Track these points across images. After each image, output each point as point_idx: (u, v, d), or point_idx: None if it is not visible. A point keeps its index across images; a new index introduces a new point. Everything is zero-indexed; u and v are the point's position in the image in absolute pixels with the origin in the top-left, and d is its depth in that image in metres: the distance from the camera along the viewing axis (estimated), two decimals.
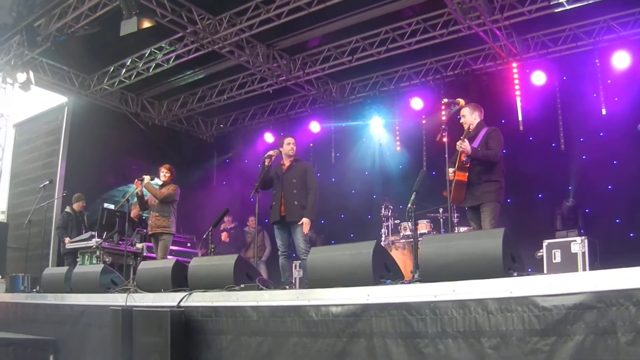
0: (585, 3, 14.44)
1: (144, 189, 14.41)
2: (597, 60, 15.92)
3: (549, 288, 5.25)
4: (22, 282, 14.93)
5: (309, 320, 7.00)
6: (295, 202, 11.88)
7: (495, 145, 10.09)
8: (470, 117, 10.47)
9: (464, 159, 9.91)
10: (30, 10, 16.70)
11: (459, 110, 10.57)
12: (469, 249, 6.23)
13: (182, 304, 8.59)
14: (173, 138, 23.94)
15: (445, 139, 9.74)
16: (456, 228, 13.51)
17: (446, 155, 9.83)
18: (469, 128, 10.42)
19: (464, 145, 9.77)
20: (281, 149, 12.37)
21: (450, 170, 10.12)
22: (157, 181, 14.86)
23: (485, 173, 10.00)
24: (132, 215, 16.96)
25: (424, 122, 19.37)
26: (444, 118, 10.26)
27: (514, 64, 16.97)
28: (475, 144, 10.17)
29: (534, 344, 5.21)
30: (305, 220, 11.68)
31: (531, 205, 16.04)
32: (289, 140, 12.52)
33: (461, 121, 10.50)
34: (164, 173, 14.59)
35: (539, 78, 16.50)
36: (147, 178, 13.56)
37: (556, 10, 14.83)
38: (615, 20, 15.59)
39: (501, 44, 16.61)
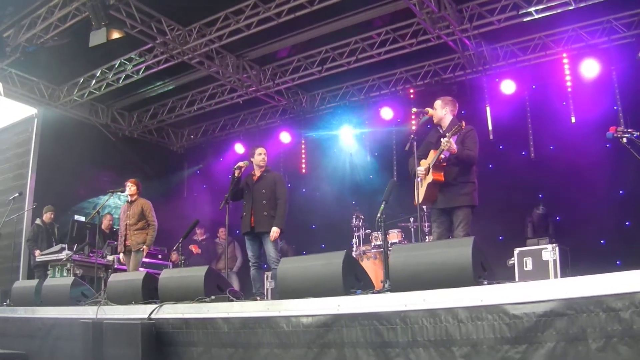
0: (554, 12, 14.53)
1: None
2: (566, 68, 16.01)
3: (519, 296, 5.27)
4: None
5: (279, 331, 6.98)
6: (265, 213, 11.88)
7: (473, 145, 9.77)
8: (441, 110, 10.05)
9: (442, 157, 9.52)
10: None
11: (428, 119, 10.42)
12: (439, 258, 6.24)
13: (152, 316, 8.55)
14: (143, 149, 23.84)
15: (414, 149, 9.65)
16: (427, 237, 13.49)
17: (415, 162, 9.70)
18: (439, 123, 10.20)
19: (450, 143, 9.28)
20: (252, 159, 12.37)
21: (421, 168, 9.77)
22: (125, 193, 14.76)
23: (462, 174, 9.63)
24: (103, 227, 16.93)
25: (394, 131, 19.39)
26: (413, 127, 10.15)
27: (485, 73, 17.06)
28: None
29: (505, 352, 5.22)
30: (274, 229, 11.70)
31: (502, 214, 16.02)
32: (260, 150, 12.49)
33: (429, 113, 10.28)
34: (130, 187, 14.46)
35: (508, 87, 16.60)
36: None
37: (525, 20, 14.91)
38: (584, 29, 15.70)
39: (470, 53, 16.67)
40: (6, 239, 17.38)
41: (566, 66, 16.07)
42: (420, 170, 9.80)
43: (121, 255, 14.39)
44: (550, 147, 16.15)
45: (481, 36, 16.15)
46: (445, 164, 9.57)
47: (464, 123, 9.39)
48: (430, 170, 9.46)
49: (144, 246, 14.06)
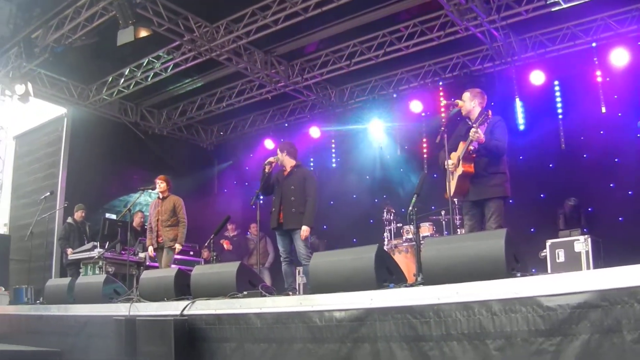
0: (583, 1, 14.38)
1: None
2: (595, 58, 15.90)
3: (552, 288, 5.23)
4: (26, 294, 14.93)
5: (312, 326, 6.97)
6: (293, 209, 11.80)
7: (502, 135, 9.68)
8: (469, 103, 9.97)
9: (471, 149, 9.47)
10: (27, 22, 16.68)
11: (458, 111, 10.35)
12: (472, 250, 6.20)
13: (185, 312, 8.57)
14: (173, 146, 23.94)
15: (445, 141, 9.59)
16: (459, 230, 13.42)
17: (446, 155, 9.64)
18: (468, 115, 10.12)
19: (478, 133, 9.28)
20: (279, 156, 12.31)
21: (451, 160, 9.75)
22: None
23: (492, 165, 9.54)
24: (134, 224, 16.98)
25: (423, 124, 19.34)
26: (443, 120, 10.05)
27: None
28: None
29: (539, 344, 5.18)
30: (303, 227, 11.60)
31: (533, 206, 15.95)
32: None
33: (459, 104, 10.20)
34: (159, 184, 14.48)
35: (537, 78, 16.47)
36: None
37: (553, 9, 14.79)
38: (613, 18, 15.54)
39: (499, 44, 16.59)
40: (38, 238, 17.47)
41: (595, 55, 15.95)
42: (450, 162, 9.76)
43: (150, 249, 14.38)
44: (581, 137, 16.04)
45: (509, 27, 16.04)
46: (475, 156, 9.50)
47: (490, 112, 9.34)
48: (460, 162, 9.38)
49: (176, 244, 14.05)
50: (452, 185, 9.82)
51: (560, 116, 16.54)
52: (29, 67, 17.81)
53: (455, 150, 9.85)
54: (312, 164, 20.97)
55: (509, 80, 17.19)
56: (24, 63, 17.45)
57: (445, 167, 9.82)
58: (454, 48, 17.86)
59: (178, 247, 14.03)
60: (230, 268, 8.88)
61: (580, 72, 16.22)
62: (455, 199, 11.28)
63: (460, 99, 10.15)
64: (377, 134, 20.61)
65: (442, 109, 17.18)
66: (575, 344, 4.98)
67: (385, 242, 15.27)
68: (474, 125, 9.28)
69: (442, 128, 9.62)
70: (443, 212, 14.26)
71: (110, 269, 14.93)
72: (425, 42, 17.02)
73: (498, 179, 9.57)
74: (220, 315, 8.14)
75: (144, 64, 19.31)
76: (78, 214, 17.38)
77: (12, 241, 20.41)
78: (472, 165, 9.46)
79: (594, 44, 15.94)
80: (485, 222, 9.54)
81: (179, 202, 14.35)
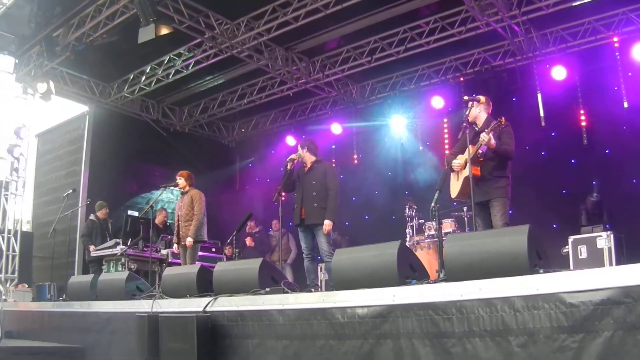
0: None
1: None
2: (617, 53, 15.84)
3: (575, 284, 5.21)
4: (49, 291, 14.97)
5: (335, 322, 6.98)
6: (315, 204, 11.77)
7: (509, 140, 9.73)
8: (475, 110, 10.02)
9: (480, 152, 9.56)
10: (48, 21, 16.77)
11: (465, 116, 10.34)
12: (494, 246, 6.19)
13: (207, 309, 8.60)
14: (195, 144, 24.00)
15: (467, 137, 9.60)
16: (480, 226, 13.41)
17: (468, 149, 9.64)
18: (474, 121, 10.16)
19: (490, 137, 9.31)
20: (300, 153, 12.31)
21: (457, 162, 9.90)
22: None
23: (497, 169, 9.66)
24: (156, 221, 17.01)
25: (445, 120, 19.32)
26: (465, 116, 10.05)
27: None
28: None
29: (562, 341, 5.17)
30: (326, 222, 11.57)
31: (555, 201, 15.92)
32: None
33: (466, 113, 10.25)
34: (178, 180, 14.35)
35: (559, 73, 16.42)
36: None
37: (574, 4, 14.77)
38: (634, 12, 15.44)
39: (520, 39, 16.54)
40: (61, 235, 17.58)
41: (617, 50, 15.89)
42: (456, 162, 9.92)
43: (175, 246, 14.37)
44: (603, 133, 15.96)
45: (530, 22, 16.03)
46: (482, 159, 9.58)
47: (503, 119, 9.38)
48: (468, 165, 9.39)
49: (187, 238, 13.96)
50: (457, 186, 10.00)
51: (582, 112, 16.46)
52: (51, 66, 17.93)
53: (463, 153, 9.89)
54: (333, 160, 20.90)
55: (530, 75, 17.16)
56: (45, 62, 17.56)
57: (452, 165, 9.97)
58: (475, 43, 17.82)
59: (189, 241, 13.92)
60: (252, 265, 8.89)
61: (602, 67, 16.17)
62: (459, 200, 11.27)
63: (483, 94, 10.20)
64: (398, 130, 20.62)
65: (464, 105, 17.19)
66: (598, 340, 4.97)
67: (407, 239, 15.26)
68: (486, 130, 9.34)
69: (464, 124, 9.65)
70: (465, 209, 14.22)
71: (132, 266, 14.95)
72: (446, 37, 16.97)
73: (502, 182, 9.71)
74: (242, 311, 8.17)
75: (165, 62, 19.40)
76: (102, 212, 17.40)
77: (35, 238, 20.55)
78: (479, 168, 9.51)
79: (615, 39, 15.87)
80: (491, 223, 9.63)
81: (197, 196, 14.19)
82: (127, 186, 21.65)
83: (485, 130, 9.31)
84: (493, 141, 9.30)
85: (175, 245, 14.32)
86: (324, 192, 11.84)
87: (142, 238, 15.47)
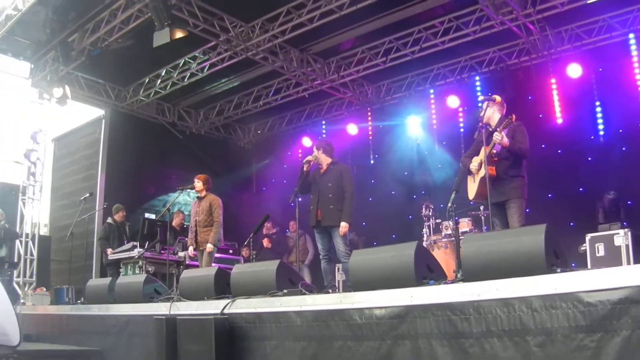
0: None
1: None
2: (633, 50, 15.79)
3: (593, 283, 5.19)
4: (67, 294, 15.04)
5: (352, 323, 6.99)
6: (331, 206, 11.76)
7: (523, 139, 9.73)
8: (489, 110, 9.99)
9: (494, 152, 9.52)
10: (63, 26, 16.85)
11: (479, 118, 10.32)
12: (511, 246, 6.18)
13: (225, 311, 8.62)
14: (211, 146, 24.09)
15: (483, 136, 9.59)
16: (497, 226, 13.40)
17: (484, 148, 9.63)
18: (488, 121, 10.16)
19: (502, 136, 9.33)
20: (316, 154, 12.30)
21: (474, 165, 9.91)
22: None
23: (513, 168, 9.66)
24: (173, 224, 17.06)
25: (461, 119, 19.30)
26: (481, 115, 10.05)
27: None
28: None
29: (580, 340, 5.16)
30: (342, 224, 11.56)
31: (572, 199, 15.88)
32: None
33: (480, 114, 10.25)
34: (196, 183, 14.34)
35: (574, 70, 16.37)
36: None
37: (589, 2, 14.74)
38: None
39: (535, 37, 16.52)
40: (78, 239, 17.64)
41: (633, 47, 15.85)
42: (474, 166, 9.92)
43: (190, 249, 14.38)
44: (620, 130, 15.94)
45: (545, 20, 15.99)
46: (496, 159, 9.56)
47: (514, 116, 9.39)
48: (484, 165, 9.39)
49: (207, 245, 13.95)
50: (474, 187, 9.99)
51: (598, 109, 16.42)
52: (66, 71, 18.06)
53: (477, 154, 9.93)
54: (349, 161, 20.89)
55: (545, 73, 17.12)
56: (61, 66, 17.68)
57: (471, 169, 9.97)
58: (489, 42, 17.78)
59: (209, 247, 13.93)
60: (270, 266, 8.90)
61: (618, 64, 16.11)
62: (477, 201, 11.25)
63: (498, 94, 10.19)
64: (414, 129, 20.61)
65: (480, 104, 17.17)
66: (616, 340, 4.95)
67: (424, 238, 15.23)
68: (498, 129, 9.36)
69: (480, 123, 9.64)
70: (482, 208, 14.20)
71: (150, 269, 14.99)
72: (461, 37, 16.96)
73: (517, 182, 9.70)
74: (260, 313, 8.18)
75: (181, 65, 19.47)
76: (118, 215, 17.47)
77: (53, 242, 20.68)
78: (494, 168, 9.49)
79: (630, 35, 15.83)
80: (508, 223, 9.63)
81: (216, 202, 14.23)
82: (143, 189, 21.74)
83: (498, 128, 9.32)
84: (506, 139, 9.29)
85: (190, 249, 14.34)
86: (340, 194, 11.83)
87: (159, 241, 15.51)
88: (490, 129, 9.78)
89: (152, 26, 14.88)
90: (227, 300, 8.80)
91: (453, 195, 9.08)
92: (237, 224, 19.33)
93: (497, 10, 14.92)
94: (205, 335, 8.18)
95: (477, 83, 18.79)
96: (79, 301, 14.04)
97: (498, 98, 10.05)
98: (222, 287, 9.64)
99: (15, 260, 18.62)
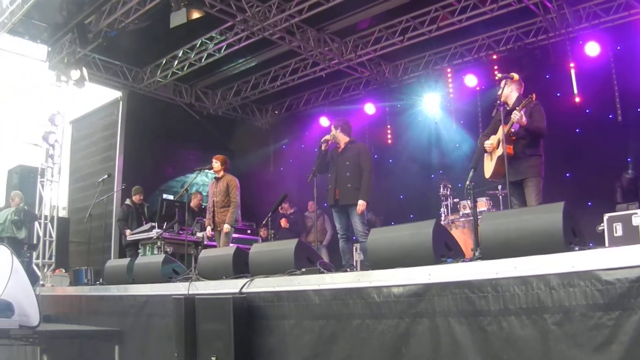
0: None
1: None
2: None
3: (611, 261, 5.17)
4: (86, 275, 15.10)
5: (371, 301, 6.99)
6: (349, 185, 11.79)
7: (540, 118, 9.73)
8: (507, 89, 10.05)
9: (512, 131, 9.53)
10: (80, 8, 16.88)
11: (497, 97, 10.32)
12: (530, 224, 6.16)
13: (244, 290, 8.63)
14: (228, 126, 24.17)
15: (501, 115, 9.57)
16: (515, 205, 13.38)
17: (502, 127, 9.61)
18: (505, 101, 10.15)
19: (520, 115, 9.33)
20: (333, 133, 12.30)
21: (489, 142, 9.97)
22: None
23: (530, 147, 9.67)
24: (192, 204, 17.11)
25: (478, 98, 19.25)
26: (499, 93, 10.03)
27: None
28: None
29: (598, 318, 5.14)
30: (360, 202, 11.58)
31: (590, 179, 15.82)
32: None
33: (498, 93, 10.23)
34: (214, 163, 14.47)
35: (592, 49, 16.29)
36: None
37: None
38: None
39: (552, 16, 16.44)
40: (97, 220, 17.71)
41: None
42: (488, 143, 9.98)
43: (208, 229, 14.42)
44: (638, 109, 15.85)
45: None
46: (514, 138, 9.57)
47: (534, 95, 9.37)
48: (501, 144, 9.38)
49: (224, 225, 14.04)
50: (491, 166, 10.02)
51: (616, 88, 16.31)
52: (83, 53, 18.12)
53: (495, 133, 9.95)
54: (367, 140, 20.86)
55: (563, 52, 17.01)
56: (78, 49, 17.74)
57: (486, 148, 10.02)
58: (507, 21, 17.72)
59: (226, 227, 13.99)
60: (288, 245, 8.89)
61: (636, 42, 16.01)
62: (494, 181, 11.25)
63: (516, 72, 10.18)
64: (432, 109, 20.58)
65: (498, 83, 17.10)
66: (634, 318, 4.93)
67: (442, 218, 15.27)
68: (517, 108, 9.37)
69: (498, 102, 9.63)
70: (500, 187, 14.18)
71: (168, 249, 15.04)
72: (478, 15, 16.92)
73: (535, 160, 9.71)
74: (278, 292, 8.20)
75: (197, 45, 19.52)
76: (137, 197, 17.57)
77: (72, 224, 20.80)
78: (512, 147, 9.49)
79: None
80: (526, 202, 9.65)
81: (233, 182, 14.28)
82: (161, 170, 21.83)
83: (517, 107, 9.31)
84: (524, 119, 9.29)
85: (208, 229, 14.39)
86: (358, 173, 11.85)
87: (178, 221, 15.56)
88: (508, 108, 9.78)
89: (168, 7, 14.91)
90: (246, 280, 8.80)
91: (471, 173, 9.12)
92: (255, 205, 19.37)
93: None
94: (223, 314, 8.19)
95: (495, 62, 18.68)
96: (97, 282, 14.08)
97: (516, 76, 10.03)
98: (241, 266, 9.63)
99: (35, 242, 18.78)
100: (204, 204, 17.85)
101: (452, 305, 6.22)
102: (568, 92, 16.52)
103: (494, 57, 18.72)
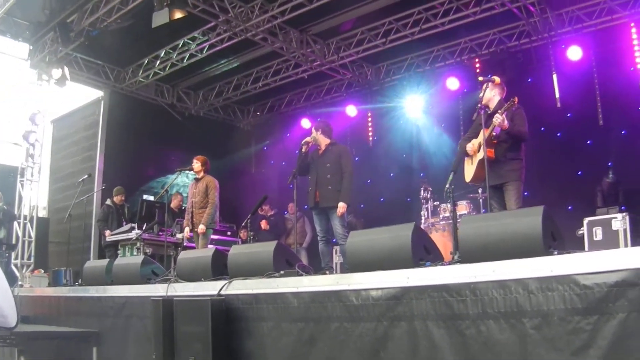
0: None
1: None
2: (633, 33, 15.77)
3: (590, 266, 5.18)
4: (64, 276, 15.05)
5: (349, 304, 6.98)
6: (329, 187, 11.80)
7: (522, 122, 9.73)
8: (489, 92, 10.01)
9: (494, 134, 9.50)
10: (62, 7, 16.85)
11: (478, 100, 10.32)
12: (509, 228, 6.16)
13: (222, 292, 8.62)
14: (210, 127, 24.10)
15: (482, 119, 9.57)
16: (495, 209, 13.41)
17: (483, 131, 9.62)
18: (487, 104, 10.14)
19: (502, 118, 9.29)
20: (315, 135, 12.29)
21: (470, 146, 9.98)
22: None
23: (511, 151, 9.66)
24: (172, 205, 17.08)
25: (460, 102, 19.28)
26: (480, 97, 10.03)
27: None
28: None
29: (576, 323, 5.15)
30: (340, 204, 11.59)
31: (571, 183, 15.91)
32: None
33: (496, 81, 10.24)
34: (195, 164, 14.44)
35: (575, 53, 16.33)
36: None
37: None
38: None
39: (535, 19, 16.48)
40: (77, 220, 17.70)
41: (633, 30, 15.82)
42: (469, 146, 9.99)
43: (186, 230, 14.39)
44: (619, 113, 15.89)
45: (545, 2, 15.99)
46: (495, 141, 9.56)
47: (516, 98, 9.37)
48: (482, 147, 9.39)
49: (200, 225, 14.01)
50: (471, 170, 10.03)
51: (598, 92, 16.37)
52: (65, 52, 18.09)
53: (476, 137, 9.97)
54: (349, 143, 20.88)
55: (545, 56, 17.09)
56: (60, 47, 17.70)
57: (467, 149, 10.04)
58: (490, 24, 17.76)
59: (201, 228, 13.95)
60: (267, 248, 8.88)
61: (618, 47, 16.11)
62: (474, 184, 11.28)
63: (497, 75, 10.18)
64: (413, 111, 20.57)
65: (480, 87, 17.13)
66: (612, 322, 4.94)
67: (423, 221, 15.28)
68: (499, 111, 9.38)
69: (479, 105, 9.61)
70: (480, 190, 14.20)
71: (148, 250, 15.03)
72: (461, 18, 16.94)
73: (515, 165, 9.72)
74: (257, 294, 8.18)
75: (180, 46, 19.49)
76: (118, 198, 17.53)
77: (51, 224, 20.76)
78: (493, 150, 9.49)
79: (632, 24, 15.79)
80: (506, 206, 9.67)
81: (212, 183, 14.23)
82: (142, 170, 21.77)
83: (499, 111, 9.32)
84: (506, 122, 9.29)
85: (186, 230, 14.37)
86: (339, 175, 11.86)
87: (158, 222, 15.53)
88: (490, 111, 9.80)
89: (151, 6, 14.87)
90: (224, 282, 8.78)
91: (451, 176, 9.11)
92: (236, 206, 19.38)
93: None
94: (202, 316, 8.18)
95: (477, 65, 18.72)
96: (76, 283, 14.04)
97: (497, 79, 10.02)
98: (220, 268, 9.62)
99: (14, 242, 18.71)
100: (184, 205, 17.82)
101: (430, 309, 6.21)
102: (550, 96, 16.56)
103: (477, 60, 18.73)
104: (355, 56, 19.76)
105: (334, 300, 7.16)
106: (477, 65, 18.67)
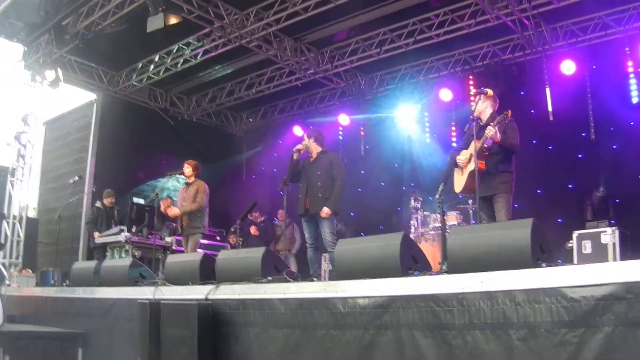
0: None
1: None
2: (627, 48, 15.80)
3: (577, 279, 5.19)
4: (52, 277, 15.04)
5: (336, 312, 6.98)
6: (319, 195, 11.79)
7: (514, 134, 9.80)
8: (481, 105, 10.09)
9: (485, 146, 9.54)
10: (57, 9, 16.84)
11: (470, 111, 10.34)
12: (498, 239, 6.17)
13: (209, 296, 8.61)
14: (202, 133, 24.06)
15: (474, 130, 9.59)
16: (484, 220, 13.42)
17: (474, 142, 9.63)
18: (479, 116, 10.17)
19: (495, 130, 9.35)
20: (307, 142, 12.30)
21: (461, 158, 10.03)
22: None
23: (502, 163, 9.73)
24: (162, 209, 17.05)
25: (453, 113, 19.29)
26: (473, 109, 10.05)
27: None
28: None
29: (563, 335, 5.16)
30: (324, 209, 11.59)
31: (561, 196, 15.95)
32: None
33: (489, 93, 10.26)
34: (185, 168, 14.41)
35: (568, 67, 16.35)
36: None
37: None
38: None
39: (530, 33, 16.51)
40: (66, 222, 17.66)
41: (627, 45, 15.85)
42: (461, 158, 10.05)
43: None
44: (611, 128, 15.94)
45: (540, 16, 15.98)
46: (487, 153, 9.61)
47: (509, 112, 9.40)
48: (473, 159, 9.41)
49: (174, 209, 14.14)
50: (462, 181, 10.09)
51: (590, 106, 16.39)
52: (60, 54, 18.04)
53: (467, 148, 10.01)
54: (340, 151, 20.89)
55: (539, 69, 17.08)
56: (54, 50, 17.67)
57: (457, 161, 10.10)
58: (484, 37, 17.76)
59: (176, 212, 14.11)
60: (255, 253, 8.88)
61: (612, 62, 16.14)
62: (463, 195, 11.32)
63: (490, 88, 10.21)
64: (406, 122, 20.58)
65: (472, 98, 17.16)
66: (599, 336, 4.96)
67: (412, 230, 15.28)
68: (492, 123, 9.42)
69: (471, 117, 9.63)
70: (470, 201, 14.22)
71: (136, 253, 15.03)
72: (456, 30, 16.92)
73: (506, 177, 9.79)
74: (244, 300, 8.18)
75: (174, 51, 19.48)
76: (108, 200, 17.49)
77: (40, 224, 20.69)
78: (484, 162, 9.52)
79: (626, 40, 15.83)
80: (495, 218, 9.71)
81: (202, 187, 14.16)
82: (133, 174, 21.72)
83: (491, 123, 9.34)
84: (499, 135, 9.34)
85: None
86: (330, 183, 11.87)
87: (147, 225, 15.50)
88: (482, 123, 9.83)
89: (146, 11, 14.87)
90: (212, 286, 8.77)
91: (441, 186, 9.15)
92: (226, 212, 19.37)
93: (493, 4, 14.90)
94: (188, 320, 8.17)
95: (470, 77, 18.73)
96: (64, 283, 14.04)
97: (490, 92, 10.06)
98: (208, 272, 9.61)
99: (2, 241, 18.66)
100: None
101: (417, 318, 6.22)
102: (542, 109, 16.57)
103: (470, 72, 18.75)
104: (349, 65, 19.73)
105: (321, 308, 7.16)
106: (471, 77, 18.66)
